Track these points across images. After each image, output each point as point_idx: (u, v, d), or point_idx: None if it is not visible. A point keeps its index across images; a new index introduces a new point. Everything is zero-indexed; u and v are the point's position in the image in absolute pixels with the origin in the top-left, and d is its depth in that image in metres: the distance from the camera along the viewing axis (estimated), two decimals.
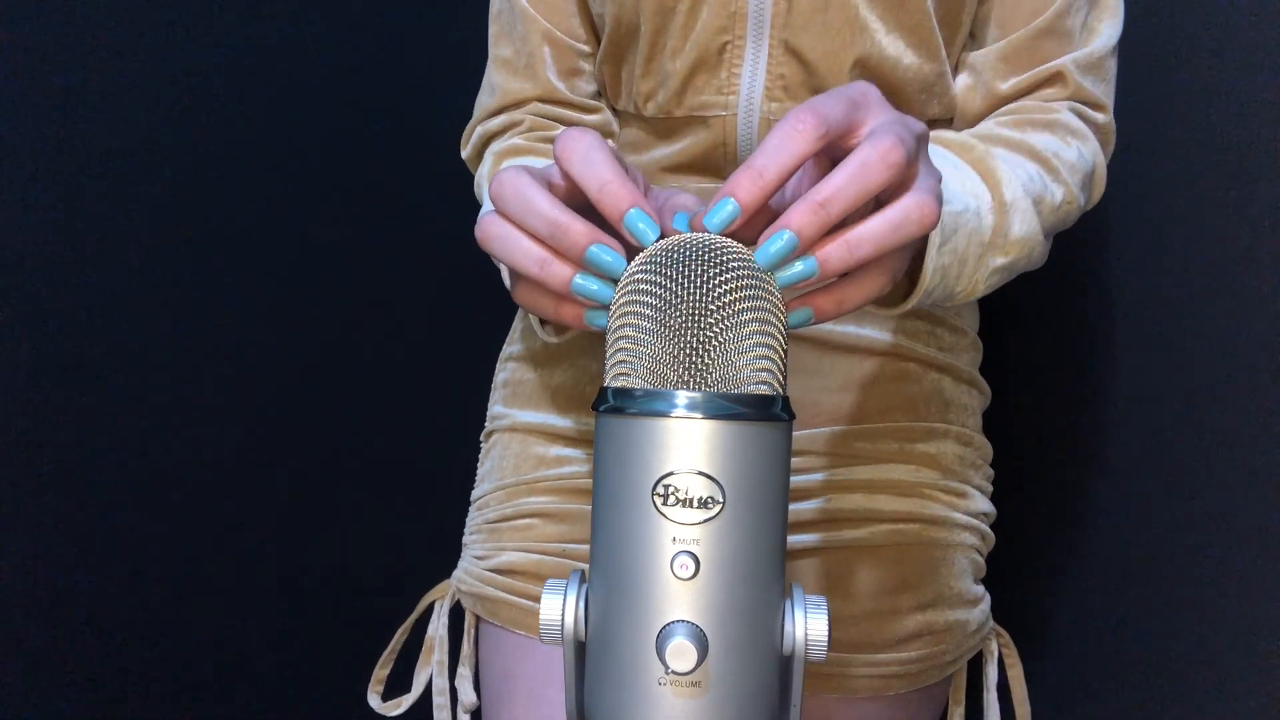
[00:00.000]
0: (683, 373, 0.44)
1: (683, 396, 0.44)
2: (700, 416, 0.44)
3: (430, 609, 0.85)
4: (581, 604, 0.46)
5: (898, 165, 0.46)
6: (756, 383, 0.45)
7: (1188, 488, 0.85)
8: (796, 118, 0.46)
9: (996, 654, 0.82)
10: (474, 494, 0.86)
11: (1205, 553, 0.83)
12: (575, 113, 0.80)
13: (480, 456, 0.87)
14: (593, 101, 0.81)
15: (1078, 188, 0.70)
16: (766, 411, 0.45)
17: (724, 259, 0.45)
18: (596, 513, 0.46)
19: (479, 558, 0.81)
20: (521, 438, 0.82)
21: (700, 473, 0.44)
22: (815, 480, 0.75)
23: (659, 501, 0.44)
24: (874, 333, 0.76)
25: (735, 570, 0.44)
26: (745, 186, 0.45)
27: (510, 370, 0.86)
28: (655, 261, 0.46)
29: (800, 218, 0.45)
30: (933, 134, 0.64)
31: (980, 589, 0.80)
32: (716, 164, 0.76)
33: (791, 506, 0.74)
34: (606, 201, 0.47)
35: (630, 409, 0.44)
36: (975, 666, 0.82)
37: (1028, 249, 0.63)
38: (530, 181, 0.49)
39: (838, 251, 0.46)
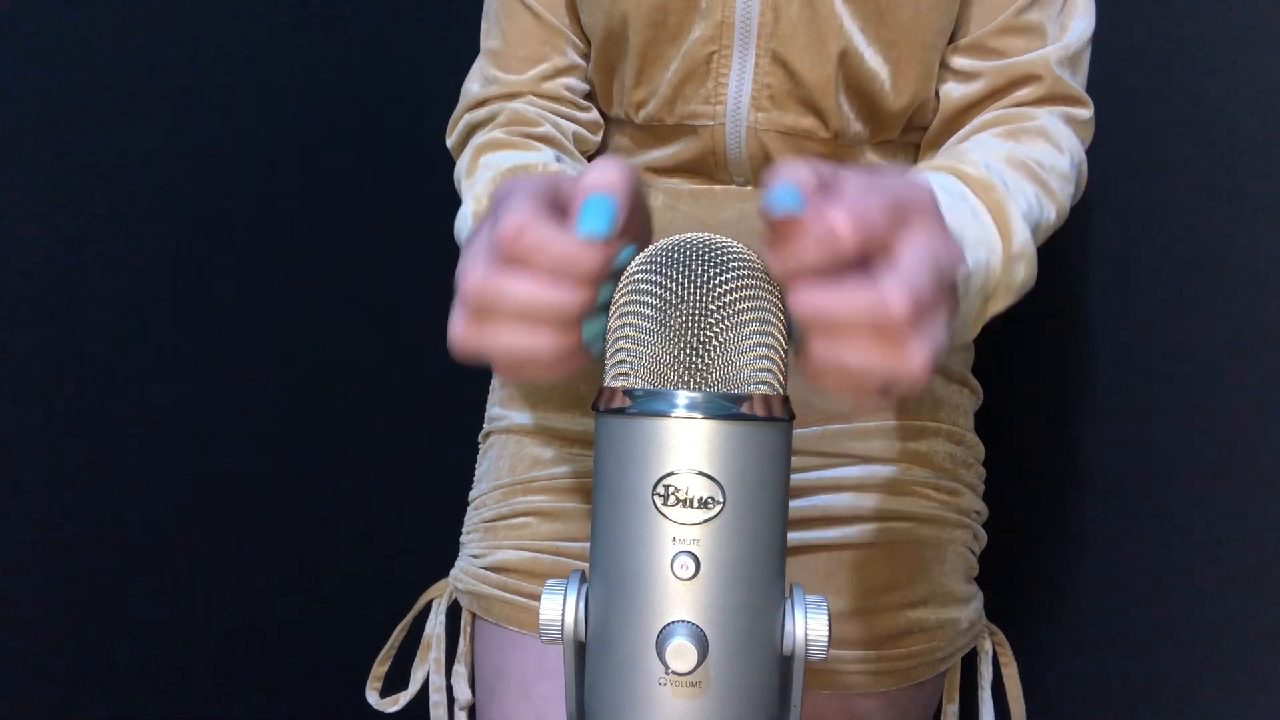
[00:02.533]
0: (683, 373, 0.44)
1: (683, 396, 0.44)
2: (700, 416, 0.44)
3: (428, 607, 0.85)
4: (581, 604, 0.46)
5: (898, 321, 0.41)
6: (757, 383, 0.45)
7: (1181, 486, 0.85)
8: (833, 218, 0.41)
9: (990, 652, 0.82)
10: (472, 494, 0.86)
11: (1199, 551, 0.83)
12: (568, 108, 0.79)
13: (478, 457, 0.87)
14: (585, 100, 0.80)
15: (1068, 199, 0.70)
16: (767, 411, 0.45)
17: (724, 258, 0.45)
18: (596, 513, 0.46)
19: (475, 556, 0.81)
20: (517, 439, 0.82)
21: (700, 473, 0.43)
22: (807, 479, 0.76)
23: (659, 501, 0.43)
24: None
25: (735, 570, 0.44)
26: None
27: None
28: (655, 261, 0.46)
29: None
30: (955, 164, 0.62)
31: (973, 587, 0.80)
32: (708, 169, 0.76)
33: None
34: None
35: (630, 409, 0.44)
36: (969, 664, 0.82)
37: (1022, 292, 0.62)
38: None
39: (807, 338, 0.44)
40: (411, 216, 1.22)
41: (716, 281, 0.45)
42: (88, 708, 1.08)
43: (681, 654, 0.42)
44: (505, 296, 0.44)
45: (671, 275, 0.45)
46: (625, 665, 0.44)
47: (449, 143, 0.83)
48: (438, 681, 0.82)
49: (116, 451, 1.07)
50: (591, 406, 0.46)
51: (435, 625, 0.84)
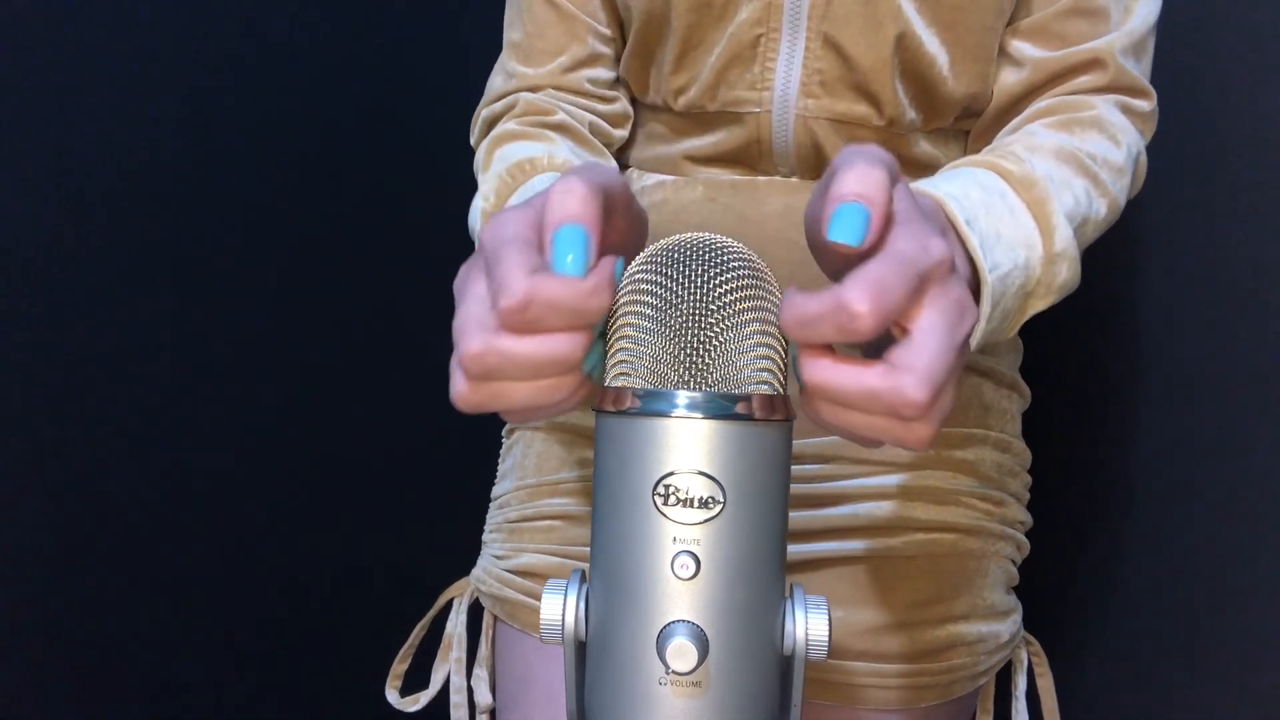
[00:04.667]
0: (683, 372, 0.44)
1: (683, 396, 0.44)
2: (701, 416, 0.44)
3: (449, 605, 0.85)
4: (582, 604, 0.46)
5: (916, 411, 0.42)
6: (757, 382, 0.45)
7: (1225, 495, 0.83)
8: (850, 310, 0.40)
9: (1026, 663, 0.80)
10: (494, 491, 0.85)
11: (1240, 560, 0.81)
12: (590, 101, 0.77)
13: (501, 452, 0.86)
14: (609, 91, 0.78)
15: (1121, 193, 0.67)
16: (767, 411, 0.45)
17: (724, 258, 0.45)
18: (596, 513, 0.46)
19: (498, 557, 0.81)
20: (545, 436, 0.81)
21: (701, 473, 0.43)
22: (851, 486, 0.74)
23: (659, 501, 0.44)
24: None
25: (736, 570, 0.44)
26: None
27: None
28: (655, 261, 0.46)
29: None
30: (998, 160, 0.61)
31: (1012, 599, 0.78)
32: (751, 159, 0.74)
33: (827, 512, 0.73)
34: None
35: (630, 409, 0.44)
36: (1003, 675, 0.80)
37: (1065, 292, 0.61)
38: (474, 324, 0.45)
39: (810, 397, 0.44)
40: (428, 212, 1.22)
41: (717, 281, 0.45)
42: (103, 706, 1.10)
43: (682, 654, 0.42)
44: (509, 360, 0.43)
45: (671, 275, 0.45)
46: (625, 665, 0.44)
47: (472, 140, 0.82)
48: (458, 682, 0.82)
49: (133, 449, 1.09)
50: (591, 406, 0.46)
51: (456, 625, 0.83)
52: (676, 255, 0.45)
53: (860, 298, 0.40)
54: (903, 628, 0.73)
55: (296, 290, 1.18)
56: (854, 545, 0.73)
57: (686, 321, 0.44)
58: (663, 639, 0.43)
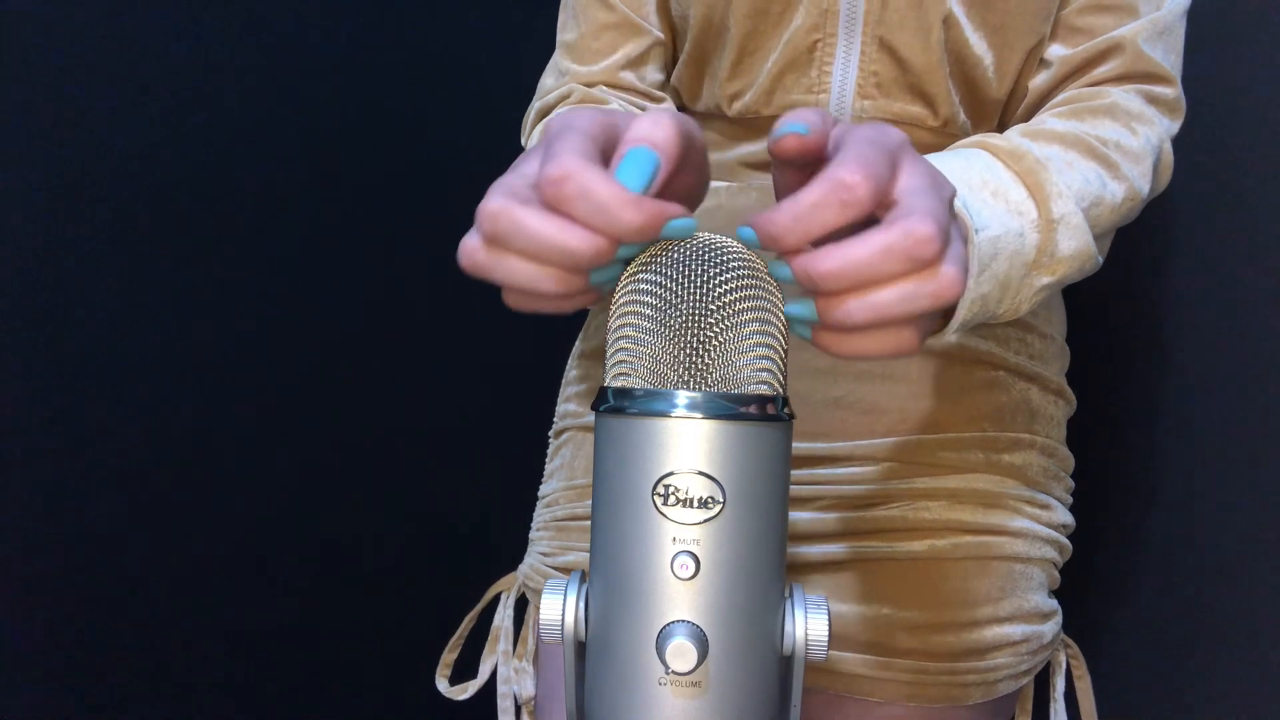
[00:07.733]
0: (683, 373, 0.44)
1: (683, 396, 0.44)
2: (700, 416, 0.44)
3: (496, 599, 0.86)
4: (582, 604, 0.46)
5: (930, 245, 0.43)
6: (757, 383, 0.45)
7: (1260, 496, 0.82)
8: (846, 182, 0.43)
9: (1064, 665, 0.80)
10: (542, 490, 0.86)
11: (1278, 563, 0.79)
12: (640, 99, 0.78)
13: (549, 452, 0.87)
14: (659, 92, 0.79)
15: (1140, 179, 0.66)
16: (766, 411, 0.44)
17: (724, 259, 0.45)
18: (596, 513, 0.46)
19: (544, 554, 0.82)
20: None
21: (700, 473, 0.44)
22: (900, 486, 0.74)
23: (659, 501, 0.44)
24: (966, 339, 0.74)
25: (735, 570, 0.44)
26: (765, 234, 0.45)
27: (584, 368, 0.85)
28: (655, 261, 0.46)
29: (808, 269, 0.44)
30: (983, 139, 0.62)
31: (1053, 602, 0.78)
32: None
33: (876, 512, 0.74)
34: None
35: (630, 409, 0.45)
36: (1041, 677, 0.80)
37: (1078, 264, 0.60)
38: (517, 206, 0.45)
39: (836, 312, 0.45)
40: (465, 214, 1.24)
41: (716, 281, 0.45)
42: (141, 698, 1.13)
43: (681, 654, 0.43)
44: (520, 229, 0.44)
45: (671, 275, 0.45)
46: (625, 665, 0.44)
47: (523, 137, 0.82)
48: (505, 673, 0.84)
49: (160, 444, 1.11)
50: (591, 406, 0.47)
51: (504, 618, 0.85)
52: (676, 255, 0.46)
53: (851, 169, 0.43)
54: (949, 628, 0.73)
55: (353, 287, 1.20)
56: (902, 546, 0.74)
57: (686, 321, 0.44)
58: (662, 639, 0.43)
